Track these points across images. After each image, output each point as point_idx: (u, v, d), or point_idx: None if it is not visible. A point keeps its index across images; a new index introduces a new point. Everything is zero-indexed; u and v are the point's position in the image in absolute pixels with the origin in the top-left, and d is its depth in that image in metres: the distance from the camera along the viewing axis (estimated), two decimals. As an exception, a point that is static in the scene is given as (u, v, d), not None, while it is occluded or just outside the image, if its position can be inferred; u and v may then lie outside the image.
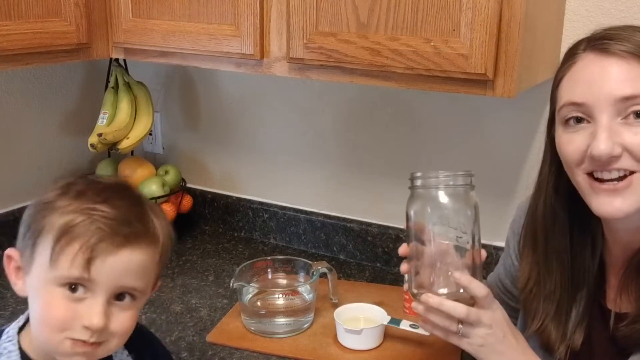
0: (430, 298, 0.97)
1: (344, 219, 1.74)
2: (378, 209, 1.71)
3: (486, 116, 1.52)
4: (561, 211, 1.01)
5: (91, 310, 0.82)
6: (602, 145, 0.87)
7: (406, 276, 1.05)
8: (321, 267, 1.42)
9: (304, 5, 1.23)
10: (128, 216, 0.84)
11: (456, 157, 1.57)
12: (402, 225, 1.67)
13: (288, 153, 1.81)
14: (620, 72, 0.88)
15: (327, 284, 1.44)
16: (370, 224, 1.71)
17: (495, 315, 0.97)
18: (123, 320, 0.85)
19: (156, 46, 1.45)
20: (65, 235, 0.81)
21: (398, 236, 1.67)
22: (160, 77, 1.94)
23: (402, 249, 1.05)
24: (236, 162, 1.90)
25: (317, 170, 1.78)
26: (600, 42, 0.90)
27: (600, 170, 0.89)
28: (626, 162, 0.88)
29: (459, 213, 0.99)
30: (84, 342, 0.82)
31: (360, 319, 1.35)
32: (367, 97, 1.65)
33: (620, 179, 0.88)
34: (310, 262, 1.46)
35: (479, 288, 0.95)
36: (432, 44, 1.13)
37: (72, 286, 0.82)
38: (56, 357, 0.86)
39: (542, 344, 1.05)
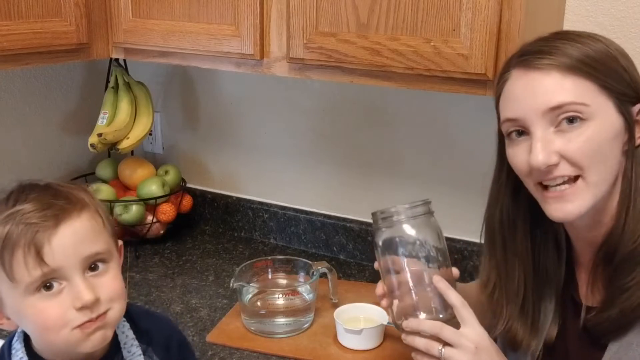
0: (410, 322, 1.00)
1: (344, 219, 1.74)
2: (378, 209, 1.71)
3: (486, 116, 1.51)
4: (521, 215, 1.05)
5: (75, 292, 0.83)
6: (540, 157, 0.91)
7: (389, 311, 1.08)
8: (321, 267, 1.42)
9: (304, 5, 1.23)
10: (45, 201, 0.84)
11: (456, 156, 1.58)
12: (402, 225, 1.68)
13: (288, 153, 1.81)
14: (543, 86, 0.92)
15: (327, 284, 1.45)
16: (370, 224, 1.71)
17: (481, 341, 0.98)
18: (108, 283, 0.86)
19: (156, 46, 1.45)
20: (4, 251, 0.81)
21: (398, 236, 1.67)
22: (160, 77, 1.94)
23: (379, 289, 1.09)
24: (236, 162, 1.90)
25: (317, 170, 1.78)
26: (523, 58, 0.95)
27: (546, 181, 0.94)
28: (565, 169, 0.92)
29: (425, 241, 1.03)
30: (89, 320, 0.84)
31: (360, 319, 1.36)
32: (367, 97, 1.65)
33: (565, 183, 0.93)
34: (310, 262, 1.46)
35: (454, 296, 0.99)
36: (432, 44, 1.13)
37: (46, 285, 0.82)
38: (79, 350, 0.86)
39: (509, 342, 1.08)
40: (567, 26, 1.36)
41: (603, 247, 0.98)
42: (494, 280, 1.08)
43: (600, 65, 0.92)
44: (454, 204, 1.60)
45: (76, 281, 0.83)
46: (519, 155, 0.96)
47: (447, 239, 1.60)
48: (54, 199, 0.85)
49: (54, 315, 0.82)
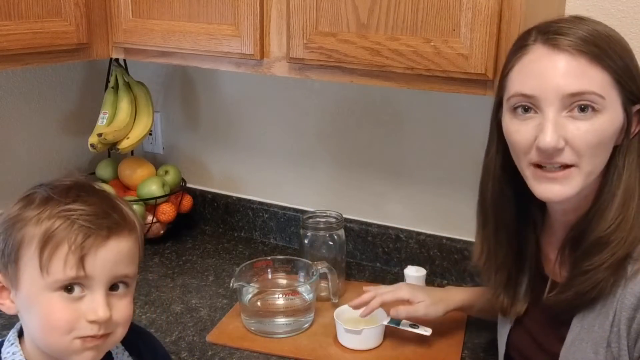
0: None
1: (344, 219, 1.74)
2: (378, 209, 1.71)
3: (486, 116, 1.52)
4: (508, 189, 1.07)
5: (94, 305, 0.83)
6: (548, 138, 0.91)
7: None
8: (321, 267, 1.42)
9: (304, 5, 1.23)
10: (104, 209, 0.85)
11: (456, 156, 1.58)
12: (402, 225, 1.68)
13: (288, 153, 1.80)
14: (569, 69, 0.92)
15: (327, 284, 1.44)
16: (370, 224, 1.71)
17: None
18: (123, 308, 0.87)
19: (156, 46, 1.45)
20: (49, 241, 0.81)
21: (398, 236, 1.67)
22: (160, 77, 1.94)
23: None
24: (236, 162, 1.90)
25: (317, 170, 1.78)
26: (551, 36, 0.94)
27: (544, 163, 0.94)
28: (567, 156, 0.93)
29: None
30: (93, 336, 0.83)
31: (360, 319, 1.35)
32: (367, 97, 1.65)
33: (560, 169, 0.94)
34: (310, 262, 1.46)
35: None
36: (432, 44, 1.13)
37: (68, 287, 0.82)
38: (66, 358, 0.86)
39: (498, 308, 1.13)
40: (567, 26, 1.36)
41: (574, 230, 1.01)
42: (486, 251, 1.12)
43: (620, 60, 0.92)
44: (454, 204, 1.60)
45: (99, 295, 0.83)
46: (521, 132, 0.96)
47: (448, 239, 1.61)
48: (112, 211, 0.86)
49: (65, 318, 0.82)
